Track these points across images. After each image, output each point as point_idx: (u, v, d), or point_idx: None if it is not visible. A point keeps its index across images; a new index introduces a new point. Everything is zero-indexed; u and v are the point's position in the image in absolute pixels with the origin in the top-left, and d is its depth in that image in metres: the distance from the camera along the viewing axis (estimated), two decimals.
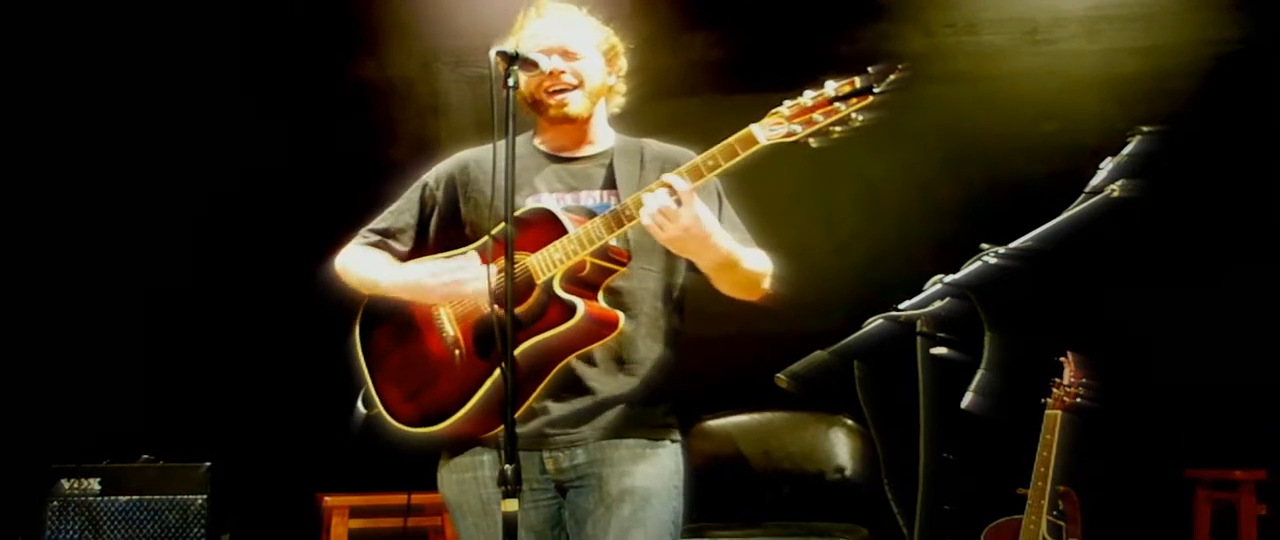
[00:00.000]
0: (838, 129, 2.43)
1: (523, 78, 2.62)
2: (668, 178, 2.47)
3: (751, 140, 2.44)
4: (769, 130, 2.44)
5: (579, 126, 2.80)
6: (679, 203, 2.45)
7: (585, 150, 2.83)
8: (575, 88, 2.76)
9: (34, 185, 5.44)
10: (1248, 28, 5.36)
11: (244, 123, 5.50)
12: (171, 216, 5.48)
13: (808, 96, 2.44)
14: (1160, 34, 5.47)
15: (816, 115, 2.42)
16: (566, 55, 2.75)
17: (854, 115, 2.41)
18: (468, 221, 2.82)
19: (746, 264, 2.66)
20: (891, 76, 2.41)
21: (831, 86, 2.43)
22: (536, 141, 2.85)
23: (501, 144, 2.84)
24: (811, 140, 2.44)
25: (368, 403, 2.78)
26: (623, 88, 2.86)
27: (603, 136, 2.85)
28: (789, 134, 2.43)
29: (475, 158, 2.86)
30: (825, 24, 5.36)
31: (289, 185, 5.45)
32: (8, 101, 5.39)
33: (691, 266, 2.77)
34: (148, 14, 5.45)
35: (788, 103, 2.45)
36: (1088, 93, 5.47)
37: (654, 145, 2.85)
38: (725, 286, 2.70)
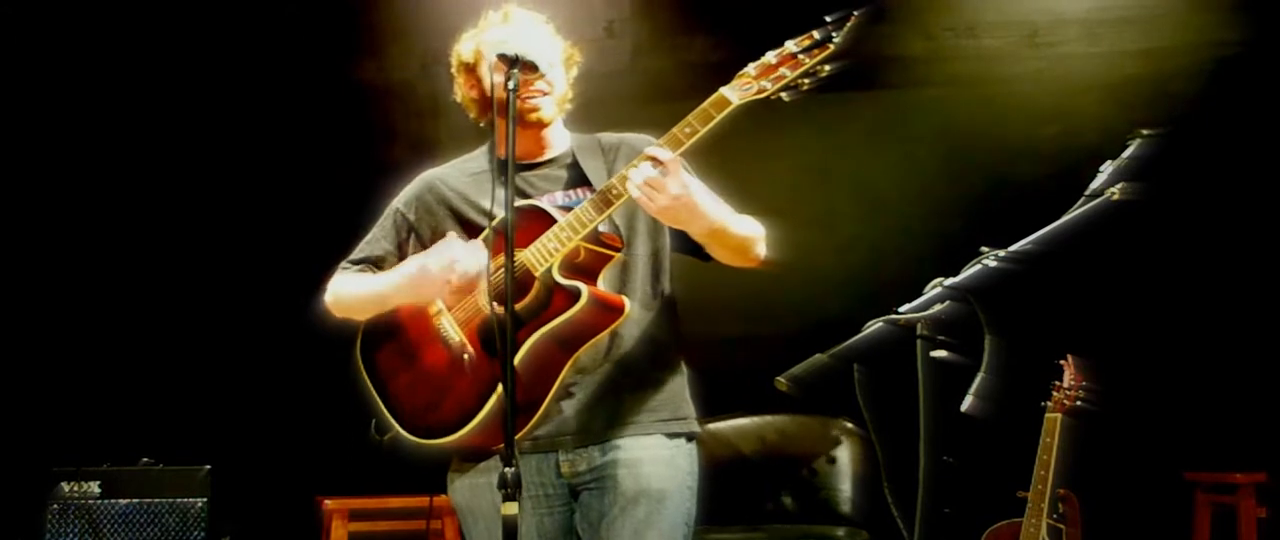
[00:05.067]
0: (806, 81, 2.47)
1: (492, 82, 2.62)
2: (651, 150, 2.48)
3: (724, 102, 2.47)
4: (740, 91, 2.47)
5: (537, 133, 2.78)
6: (664, 173, 2.46)
7: (545, 155, 2.81)
8: (547, 94, 2.74)
9: (34, 186, 5.44)
10: (1248, 31, 5.36)
11: (244, 124, 5.51)
12: (171, 218, 5.48)
13: (771, 55, 2.48)
14: (1160, 37, 5.47)
15: (783, 70, 2.46)
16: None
17: (820, 66, 2.45)
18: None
19: (737, 229, 2.65)
20: (849, 24, 2.44)
21: (792, 43, 2.47)
22: (498, 153, 2.79)
23: (471, 161, 2.85)
24: (783, 95, 2.48)
25: (381, 429, 2.76)
26: (570, 93, 2.84)
27: (559, 139, 2.83)
28: (760, 91, 2.46)
29: (440, 176, 2.84)
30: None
31: (289, 187, 5.45)
32: (9, 103, 5.39)
33: (682, 245, 2.76)
34: (148, 15, 5.45)
35: (753, 64, 2.49)
36: (1088, 96, 5.48)
37: (609, 136, 2.84)
38: (719, 254, 2.69)
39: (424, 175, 2.87)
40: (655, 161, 2.45)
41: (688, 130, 2.48)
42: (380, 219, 2.89)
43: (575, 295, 2.56)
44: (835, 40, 2.44)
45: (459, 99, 2.84)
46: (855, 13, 2.44)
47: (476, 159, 2.85)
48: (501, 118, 2.67)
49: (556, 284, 2.58)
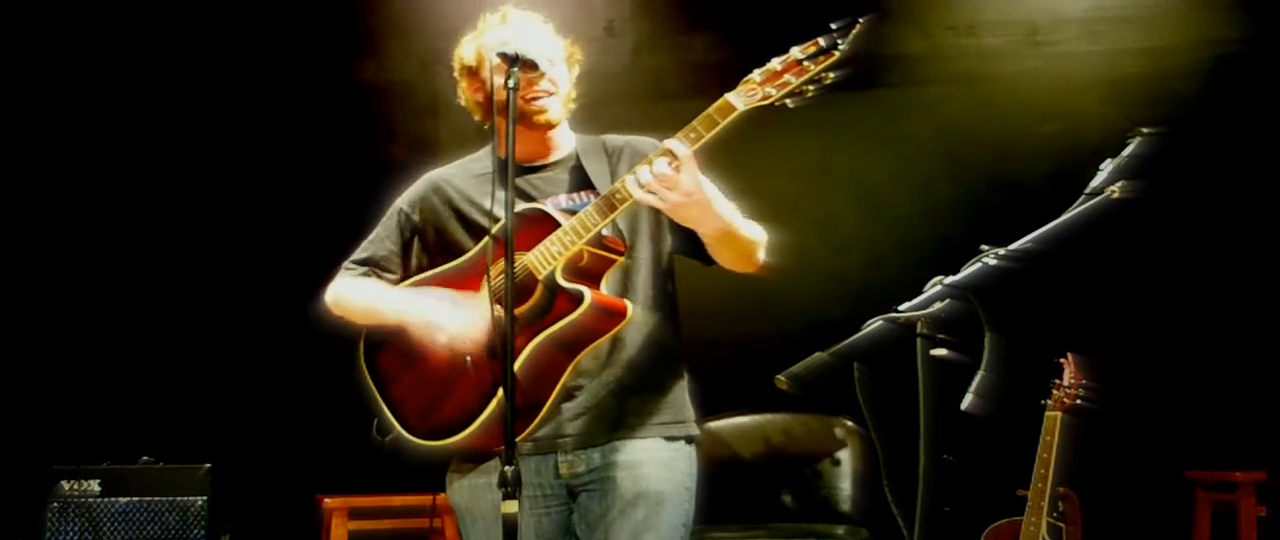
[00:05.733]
0: (811, 88, 2.47)
1: (493, 83, 2.62)
2: (669, 143, 2.48)
3: (729, 108, 2.47)
4: (745, 97, 2.47)
5: (543, 134, 2.78)
6: (678, 169, 2.46)
7: (550, 157, 2.81)
8: (552, 94, 2.74)
9: (35, 186, 5.45)
10: (1248, 29, 5.36)
11: (245, 124, 5.51)
12: (171, 217, 5.49)
13: (776, 62, 2.48)
14: (1160, 35, 5.47)
15: (788, 77, 2.46)
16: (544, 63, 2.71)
17: (824, 73, 2.45)
18: (455, 240, 2.79)
19: (744, 231, 2.65)
20: (853, 31, 2.44)
21: (797, 50, 2.47)
22: (500, 154, 2.76)
23: (475, 162, 2.85)
24: (787, 102, 2.48)
25: (383, 429, 2.76)
26: (574, 93, 2.83)
27: (564, 141, 2.83)
28: (765, 98, 2.47)
29: (444, 177, 2.85)
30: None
31: (290, 187, 5.45)
32: (9, 103, 5.39)
33: (685, 248, 2.77)
34: (149, 16, 5.45)
35: (758, 70, 2.48)
36: (1088, 94, 5.47)
37: (613, 138, 2.84)
38: (723, 257, 2.69)
39: (429, 176, 2.88)
40: (671, 156, 2.45)
41: (692, 135, 2.48)
42: (383, 218, 2.89)
43: (578, 299, 2.57)
44: (841, 48, 2.44)
45: (463, 102, 2.84)
46: (860, 20, 2.44)
47: (480, 160, 2.85)
48: (505, 118, 2.65)
49: (559, 287, 2.59)
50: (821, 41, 2.45)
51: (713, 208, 2.53)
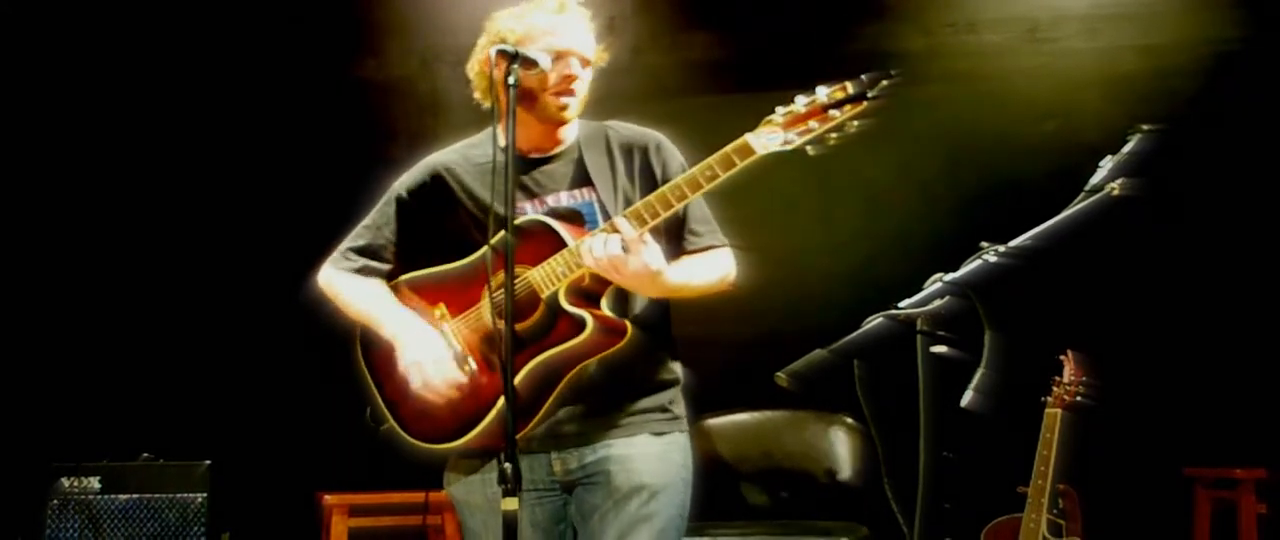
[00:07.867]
0: (834, 136, 2.42)
1: (522, 73, 2.59)
2: (617, 222, 2.48)
3: (748, 150, 2.44)
4: (765, 140, 2.43)
5: (553, 126, 2.75)
6: (628, 249, 2.47)
7: (554, 149, 2.78)
8: (578, 95, 2.72)
9: (34, 185, 5.44)
10: (1248, 27, 5.36)
11: (245, 122, 5.50)
12: (171, 215, 5.49)
13: (800, 103, 2.42)
14: (1160, 33, 5.46)
15: (812, 123, 2.41)
16: (583, 62, 2.69)
17: (850, 122, 2.40)
18: (453, 230, 2.77)
19: (698, 282, 2.69)
20: (884, 82, 2.39)
21: (824, 92, 2.41)
22: (504, 144, 2.67)
23: (475, 148, 2.82)
24: (808, 149, 2.43)
25: (377, 418, 2.76)
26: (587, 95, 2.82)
27: (567, 131, 2.80)
28: (785, 143, 2.42)
29: (444, 163, 2.81)
30: (825, 24, 5.37)
31: (289, 184, 5.45)
32: (10, 102, 5.39)
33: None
34: (149, 15, 5.45)
35: (780, 110, 2.43)
36: (1088, 91, 5.47)
37: (617, 129, 2.81)
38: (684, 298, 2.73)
39: (428, 161, 2.84)
40: (622, 238, 2.46)
41: (708, 174, 2.47)
42: (381, 204, 2.86)
43: (580, 324, 2.57)
44: (869, 98, 2.38)
45: (473, 72, 2.75)
46: (893, 73, 2.39)
47: (481, 146, 2.81)
48: (522, 108, 2.62)
49: (562, 310, 2.58)
50: (850, 88, 2.39)
51: (660, 280, 2.55)
